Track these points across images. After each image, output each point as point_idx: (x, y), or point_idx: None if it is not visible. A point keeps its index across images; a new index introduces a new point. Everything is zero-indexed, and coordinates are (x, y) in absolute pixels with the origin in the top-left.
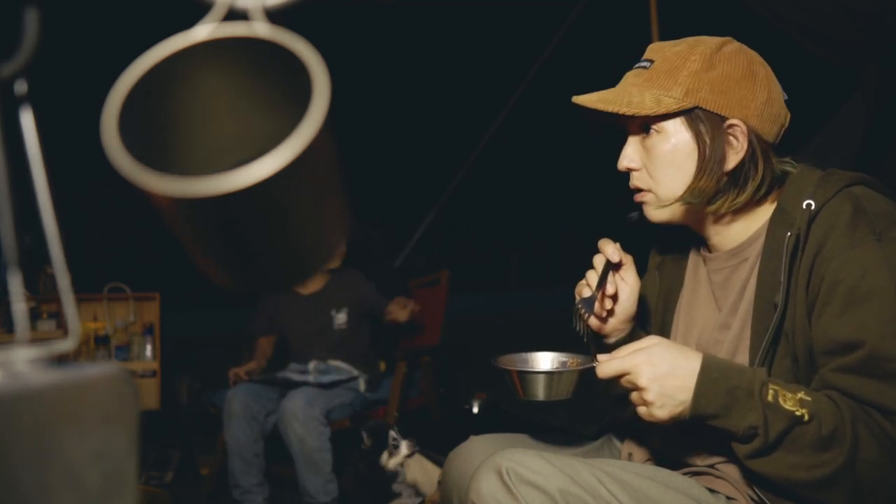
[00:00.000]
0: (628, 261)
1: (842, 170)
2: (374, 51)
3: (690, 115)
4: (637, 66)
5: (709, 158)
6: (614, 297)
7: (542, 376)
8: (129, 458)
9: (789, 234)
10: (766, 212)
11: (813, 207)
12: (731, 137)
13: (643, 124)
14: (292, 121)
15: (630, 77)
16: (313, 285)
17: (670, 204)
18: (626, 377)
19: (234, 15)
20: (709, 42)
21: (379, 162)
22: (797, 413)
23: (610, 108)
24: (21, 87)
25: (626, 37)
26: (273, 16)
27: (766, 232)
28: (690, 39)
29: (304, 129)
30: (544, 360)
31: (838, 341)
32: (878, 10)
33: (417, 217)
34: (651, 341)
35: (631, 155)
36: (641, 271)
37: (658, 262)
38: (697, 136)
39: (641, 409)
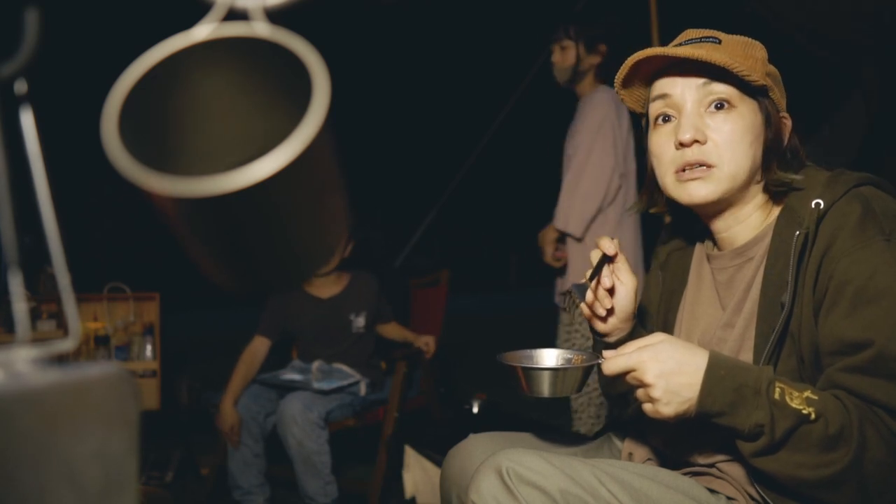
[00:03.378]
0: (622, 259)
1: (848, 170)
2: (374, 51)
3: (765, 100)
4: (699, 40)
5: (772, 144)
6: (611, 292)
7: (547, 373)
8: (129, 458)
9: (798, 233)
10: (772, 211)
11: (822, 207)
12: (783, 128)
13: (723, 97)
14: (292, 121)
15: (701, 50)
16: (331, 289)
17: (740, 189)
18: (633, 374)
19: (234, 15)
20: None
21: (379, 162)
22: (804, 412)
23: (726, 62)
24: (21, 87)
25: (626, 37)
26: (273, 16)
27: (772, 231)
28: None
29: (304, 129)
30: (549, 357)
31: (846, 342)
32: (877, 10)
33: (417, 217)
34: (657, 338)
35: (698, 126)
36: (646, 268)
37: (662, 260)
38: (767, 119)
39: (647, 406)
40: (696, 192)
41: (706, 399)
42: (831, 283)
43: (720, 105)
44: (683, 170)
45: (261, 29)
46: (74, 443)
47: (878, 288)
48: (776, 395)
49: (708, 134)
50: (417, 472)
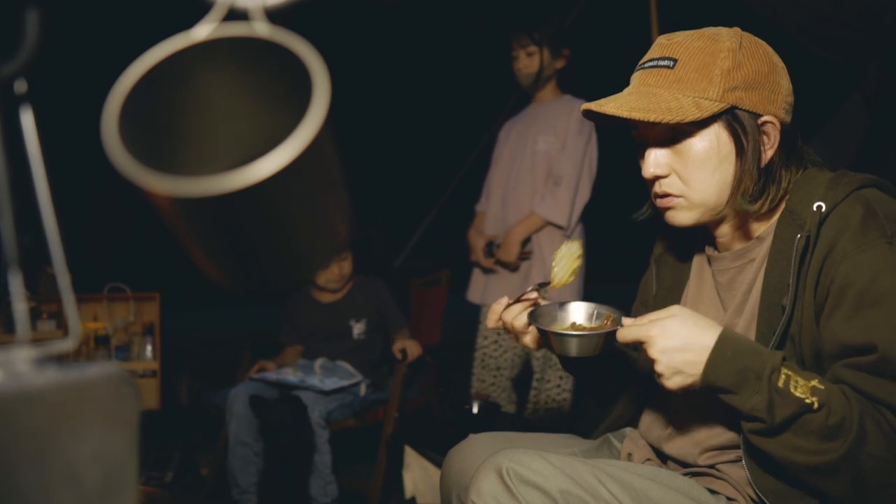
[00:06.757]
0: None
1: (850, 171)
2: (374, 51)
3: (727, 116)
4: (654, 65)
5: (749, 159)
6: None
7: (574, 337)
8: (129, 458)
9: (799, 236)
10: (773, 212)
11: (823, 210)
12: (764, 135)
13: (675, 129)
14: (292, 120)
15: (651, 79)
16: (334, 294)
17: (720, 212)
18: (643, 346)
19: (234, 15)
20: (727, 35)
21: (379, 162)
22: (807, 401)
23: (651, 118)
24: (21, 87)
25: (626, 37)
26: (273, 16)
27: (773, 233)
28: (705, 32)
29: (305, 129)
30: (578, 310)
31: (848, 345)
32: (878, 10)
33: (417, 217)
34: (670, 312)
35: (658, 161)
36: (644, 268)
37: (657, 255)
38: (736, 138)
39: (656, 377)
40: (673, 219)
41: (710, 376)
42: (833, 287)
43: (675, 138)
44: (658, 197)
45: (261, 29)
46: (74, 443)
47: (880, 291)
48: (780, 383)
49: (671, 165)
50: (417, 472)
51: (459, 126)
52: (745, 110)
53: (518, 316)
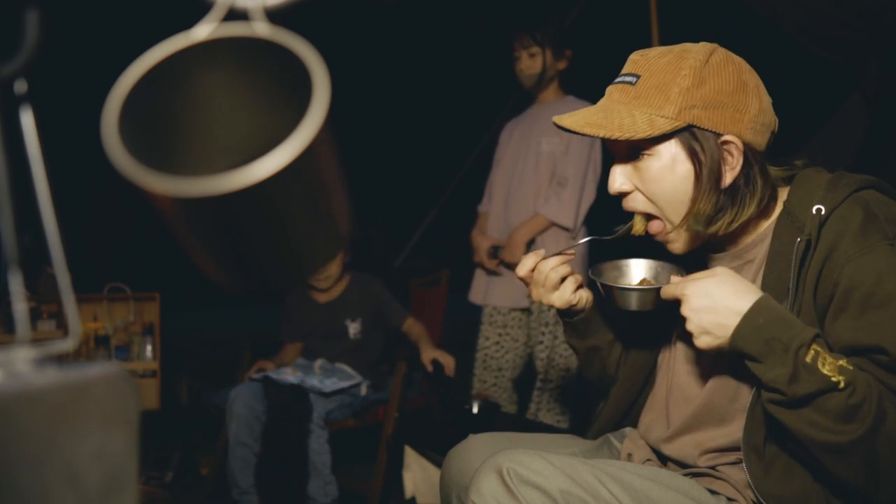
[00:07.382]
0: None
1: (849, 172)
2: (374, 51)
3: (684, 134)
4: (621, 80)
5: (706, 179)
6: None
7: (635, 292)
8: (129, 458)
9: (799, 239)
10: (771, 212)
11: (823, 212)
12: (726, 154)
13: (634, 145)
14: (292, 120)
15: (615, 94)
16: (329, 293)
17: (674, 229)
18: (680, 303)
19: (234, 15)
20: (695, 52)
21: (379, 162)
22: (833, 379)
23: (601, 134)
24: (21, 87)
25: (625, 37)
26: (273, 16)
27: (771, 234)
28: (676, 49)
29: (304, 129)
30: (637, 266)
31: (856, 347)
32: (878, 10)
33: (417, 217)
34: (712, 272)
35: (620, 178)
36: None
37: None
38: (693, 156)
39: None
40: (672, 249)
41: (738, 341)
42: (838, 290)
43: (634, 155)
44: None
45: (261, 29)
46: (74, 443)
47: (885, 293)
48: (808, 358)
49: (633, 182)
50: (417, 472)
51: (459, 126)
52: (704, 129)
53: (556, 268)
